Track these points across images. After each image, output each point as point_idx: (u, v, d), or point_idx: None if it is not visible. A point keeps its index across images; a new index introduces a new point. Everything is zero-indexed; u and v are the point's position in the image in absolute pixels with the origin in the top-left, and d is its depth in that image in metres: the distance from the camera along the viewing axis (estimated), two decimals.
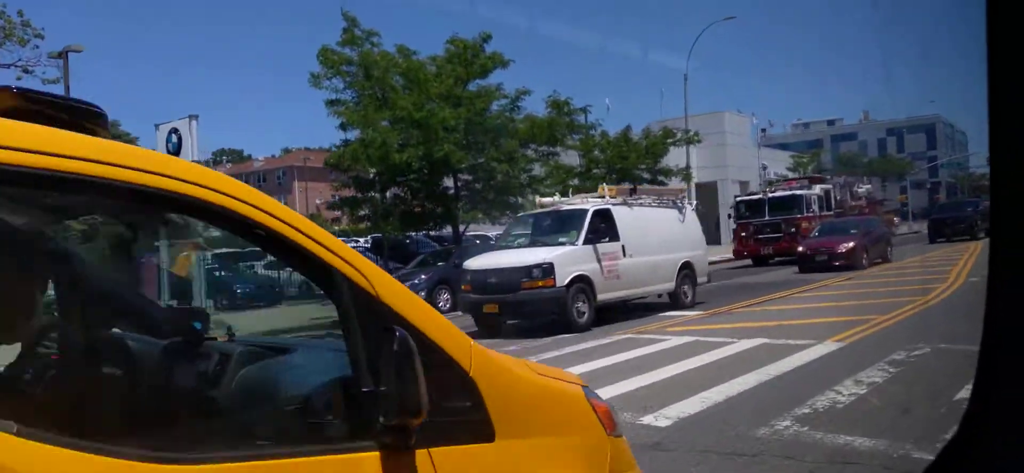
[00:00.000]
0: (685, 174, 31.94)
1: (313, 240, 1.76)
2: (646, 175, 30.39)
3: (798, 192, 29.52)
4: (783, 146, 77.36)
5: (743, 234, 27.88)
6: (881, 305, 12.07)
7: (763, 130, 56.05)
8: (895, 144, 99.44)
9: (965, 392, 5.06)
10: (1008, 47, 1.32)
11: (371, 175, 23.64)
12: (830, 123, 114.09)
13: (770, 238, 27.10)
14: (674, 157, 35.63)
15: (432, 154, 21.40)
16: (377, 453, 1.70)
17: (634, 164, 29.76)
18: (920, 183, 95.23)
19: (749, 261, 27.66)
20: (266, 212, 1.71)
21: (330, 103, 22.68)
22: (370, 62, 22.45)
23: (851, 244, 21.99)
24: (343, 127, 22.90)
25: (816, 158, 60.84)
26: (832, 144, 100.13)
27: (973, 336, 1.47)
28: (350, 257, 1.80)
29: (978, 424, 1.42)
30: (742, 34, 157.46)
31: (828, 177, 37.98)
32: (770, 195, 29.49)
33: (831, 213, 30.49)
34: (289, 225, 1.75)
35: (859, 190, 37.00)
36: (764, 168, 49.92)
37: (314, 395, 1.87)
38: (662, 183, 29.46)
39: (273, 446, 1.72)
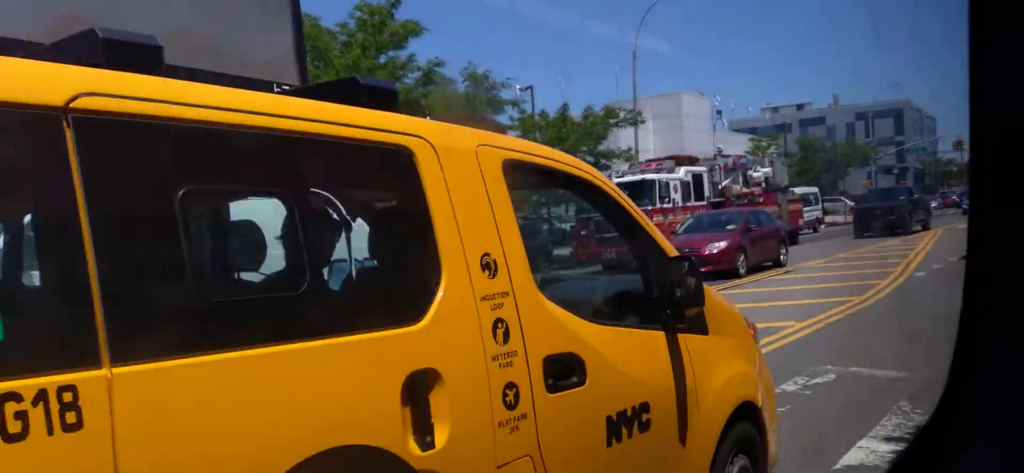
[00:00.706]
0: (627, 156, 31.06)
1: (630, 208, 3.34)
2: (588, 158, 28.84)
3: (650, 177, 24.93)
4: (752, 130, 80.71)
5: (582, 232, 18.67)
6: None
7: (719, 111, 55.90)
8: (863, 129, 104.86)
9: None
10: (990, 30, 1.35)
11: None
12: (799, 107, 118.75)
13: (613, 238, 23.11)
14: (626, 139, 34.88)
15: None
16: (663, 333, 3.21)
17: (574, 146, 28.40)
18: (888, 168, 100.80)
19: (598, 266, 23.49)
20: (610, 187, 3.32)
21: None
22: None
23: (723, 244, 18.05)
24: None
25: (775, 140, 59.83)
26: (800, 128, 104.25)
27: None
28: (646, 221, 3.42)
29: (953, 414, 1.45)
30: (716, 15, 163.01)
31: (722, 158, 33.64)
32: (616, 181, 22.69)
33: (704, 203, 26.73)
34: (621, 198, 3.32)
35: (755, 174, 31.03)
36: (719, 151, 48.84)
37: (638, 299, 3.44)
38: (604, 167, 28.52)
39: (631, 321, 3.35)
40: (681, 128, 50.65)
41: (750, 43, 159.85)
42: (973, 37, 1.34)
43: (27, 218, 2.38)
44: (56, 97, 1.63)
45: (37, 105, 1.60)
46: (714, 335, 3.55)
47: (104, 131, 1.69)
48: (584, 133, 30.35)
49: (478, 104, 24.26)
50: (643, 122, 34.85)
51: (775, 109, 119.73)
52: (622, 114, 32.25)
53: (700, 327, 3.45)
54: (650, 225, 3.43)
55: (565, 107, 30.83)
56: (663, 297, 3.23)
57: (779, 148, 53.84)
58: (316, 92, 2.42)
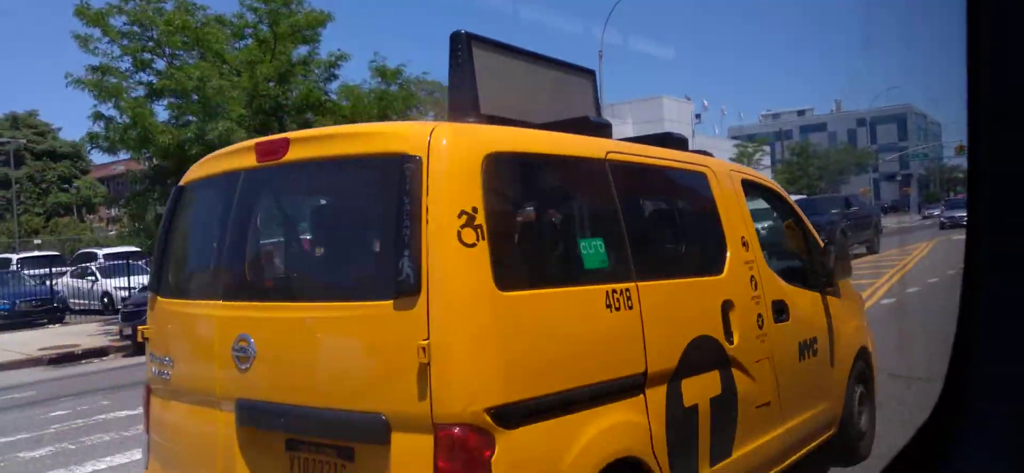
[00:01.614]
0: None
1: (800, 212, 5.20)
2: None
3: None
4: (750, 137, 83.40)
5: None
6: None
7: (697, 115, 54.99)
8: (866, 135, 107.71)
9: None
10: (988, 35, 1.42)
11: (146, 164, 20.77)
12: (800, 113, 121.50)
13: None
14: None
15: (205, 134, 18.33)
16: (819, 294, 5.02)
17: None
18: (891, 175, 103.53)
19: None
20: (789, 198, 5.24)
21: (93, 70, 18.91)
22: (144, 18, 19.32)
23: None
24: (97, 98, 18.84)
25: (761, 146, 59.19)
26: (801, 134, 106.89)
27: None
28: (807, 221, 5.19)
29: (951, 413, 1.54)
30: (721, 21, 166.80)
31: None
32: None
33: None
34: (795, 206, 5.19)
35: None
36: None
37: (804, 271, 5.07)
38: None
39: (802, 285, 4.87)
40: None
41: (754, 50, 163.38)
42: (970, 45, 1.38)
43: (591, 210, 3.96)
44: (601, 152, 3.56)
45: (593, 157, 3.52)
46: (844, 299, 5.46)
47: (618, 168, 3.60)
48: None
49: (393, 102, 21.79)
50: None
51: (775, 115, 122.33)
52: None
53: (836, 292, 5.34)
54: (809, 224, 5.32)
55: None
56: (819, 271, 5.15)
57: (764, 154, 53.81)
58: (645, 139, 4.33)
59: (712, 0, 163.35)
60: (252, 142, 3.40)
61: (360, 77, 23.97)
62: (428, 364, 2.65)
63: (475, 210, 2.76)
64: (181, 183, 3.87)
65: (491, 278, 2.76)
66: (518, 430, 2.75)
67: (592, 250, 3.39)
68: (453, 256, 2.70)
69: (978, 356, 1.50)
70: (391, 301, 2.74)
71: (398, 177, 2.77)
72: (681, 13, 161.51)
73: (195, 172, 3.85)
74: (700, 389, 3.68)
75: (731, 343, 3.96)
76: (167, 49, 20.08)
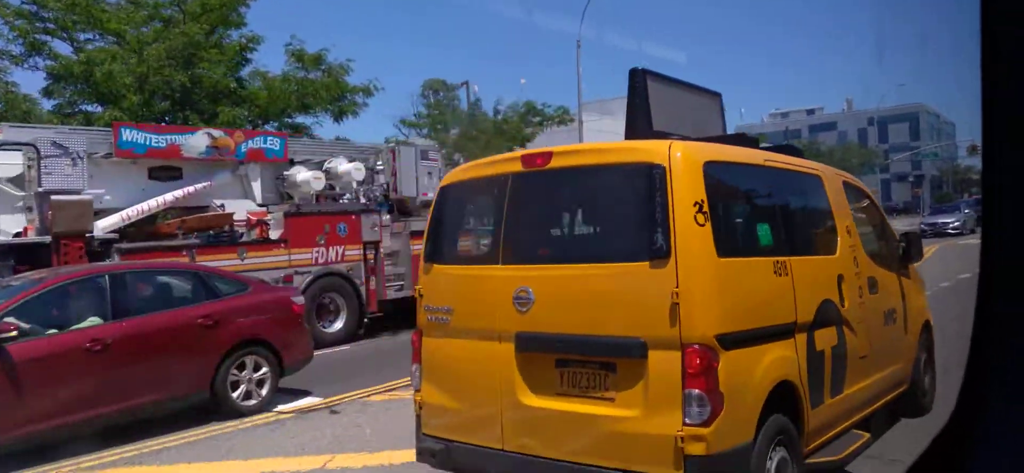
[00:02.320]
0: None
1: (879, 206, 6.98)
2: None
3: None
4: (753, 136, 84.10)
5: None
6: None
7: None
8: (877, 134, 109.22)
9: None
10: (1004, 36, 1.45)
11: None
12: (809, 112, 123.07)
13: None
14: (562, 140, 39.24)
15: (90, 121, 17.68)
16: (896, 274, 6.56)
17: (492, 146, 26.86)
18: (903, 176, 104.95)
19: None
20: (873, 195, 6.96)
21: None
22: None
23: None
24: None
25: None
26: (809, 133, 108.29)
27: None
28: (884, 213, 6.97)
29: (969, 418, 1.58)
30: (731, 21, 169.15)
31: None
32: None
33: None
34: (876, 201, 6.98)
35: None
36: None
37: (884, 254, 6.53)
38: None
39: (883, 265, 6.37)
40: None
41: (764, 48, 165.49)
42: (985, 44, 1.43)
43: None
44: (761, 159, 5.14)
45: (758, 164, 5.08)
46: (913, 280, 6.97)
47: (771, 172, 5.18)
48: (496, 132, 27.96)
49: (318, 91, 20.75)
50: (570, 121, 31.21)
51: (784, 114, 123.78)
52: (551, 113, 30.18)
53: (907, 274, 6.84)
54: (887, 218, 6.80)
55: (477, 103, 29.08)
56: (896, 255, 6.66)
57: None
58: (773, 149, 5.83)
59: (722, 13, 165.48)
60: (518, 154, 4.94)
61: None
62: (677, 304, 4.12)
63: (701, 201, 4.24)
64: (444, 184, 5.42)
65: (714, 248, 4.24)
66: (731, 351, 4.20)
67: (763, 231, 4.92)
68: (691, 233, 4.18)
69: (994, 363, 1.52)
70: (647, 262, 4.23)
71: (650, 178, 4.27)
72: (692, 15, 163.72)
73: (458, 175, 5.43)
74: (826, 339, 5.17)
75: (843, 306, 5.45)
76: (67, 31, 19.11)
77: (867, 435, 5.66)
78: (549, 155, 4.84)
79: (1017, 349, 1.49)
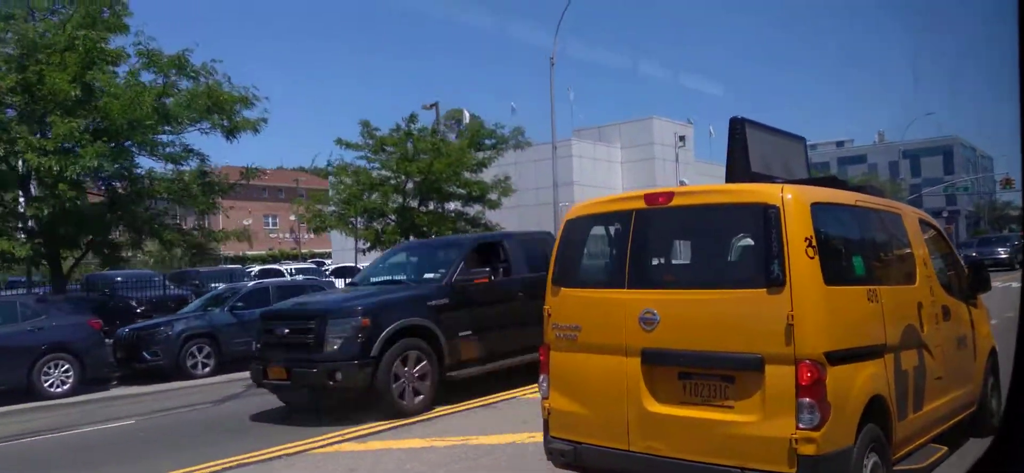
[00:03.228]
0: (503, 190, 26.86)
1: (949, 240, 7.76)
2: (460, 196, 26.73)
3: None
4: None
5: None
6: None
7: (682, 138, 52.02)
8: (909, 167, 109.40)
9: None
10: None
11: None
12: (839, 144, 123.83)
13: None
14: (532, 175, 40.63)
15: None
16: (965, 303, 7.36)
17: (443, 177, 25.07)
18: (937, 211, 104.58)
19: None
20: (942, 230, 7.72)
21: None
22: None
23: None
24: None
25: None
26: (839, 166, 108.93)
27: None
28: (954, 247, 7.86)
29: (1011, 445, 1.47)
30: (760, 51, 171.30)
31: None
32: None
33: None
34: (945, 234, 7.73)
35: None
36: (682, 184, 45.82)
37: (953, 286, 7.33)
38: (466, 216, 27.23)
39: (955, 297, 7.24)
40: (652, 159, 50.14)
41: (794, 76, 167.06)
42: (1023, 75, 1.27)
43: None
44: (852, 200, 6.04)
45: (849, 205, 6.01)
46: (980, 309, 7.80)
47: (860, 212, 6.14)
48: (432, 150, 25.10)
49: (194, 101, 18.28)
50: (523, 146, 29.02)
51: (812, 146, 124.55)
52: (505, 134, 27.56)
53: (976, 304, 7.67)
54: (957, 252, 7.64)
55: (412, 118, 25.83)
56: (965, 287, 7.49)
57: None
58: (854, 188, 6.67)
59: (755, 43, 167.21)
60: (641, 193, 5.86)
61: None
62: (792, 326, 4.96)
63: (810, 237, 5.11)
64: (570, 217, 6.34)
65: (821, 278, 5.09)
66: (836, 367, 5.01)
67: (858, 263, 5.79)
68: (803, 264, 5.03)
69: None
70: (765, 289, 5.09)
71: (767, 217, 5.15)
72: (717, 46, 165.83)
73: (583, 210, 6.35)
74: (909, 359, 5.98)
75: (923, 331, 6.28)
76: None
77: (945, 448, 6.45)
78: (671, 195, 5.75)
79: None
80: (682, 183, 45.33)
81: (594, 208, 6.35)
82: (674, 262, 6.23)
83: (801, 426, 4.90)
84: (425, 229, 25.73)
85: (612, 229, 6.09)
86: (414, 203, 26.75)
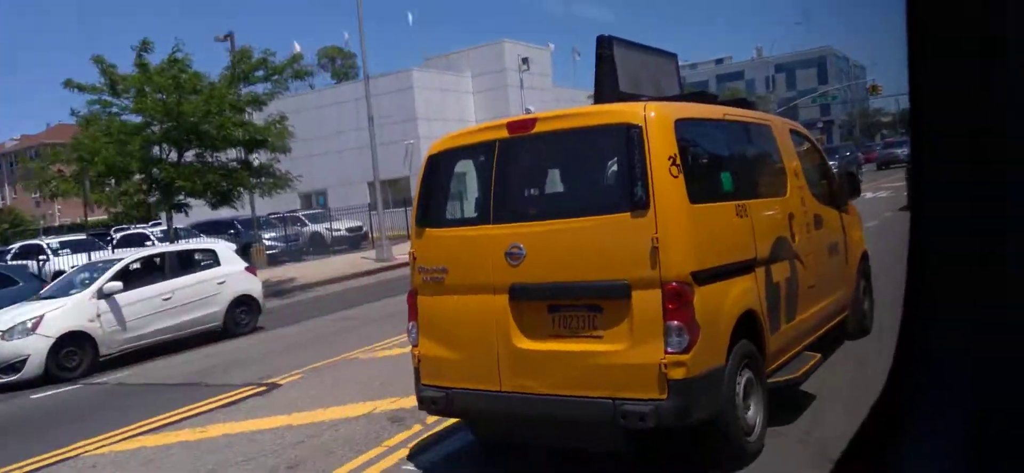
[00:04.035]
0: (277, 133, 22.11)
1: (823, 153, 8.22)
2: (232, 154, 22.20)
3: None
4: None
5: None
6: None
7: (525, 59, 48.70)
8: (785, 81, 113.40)
9: None
10: None
11: None
12: (718, 62, 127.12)
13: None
14: (397, 104, 40.07)
15: None
16: (837, 211, 7.71)
17: (200, 120, 20.22)
18: (812, 122, 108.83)
19: None
20: (815, 141, 8.12)
21: None
22: None
23: None
24: None
25: None
26: (718, 83, 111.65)
27: None
28: (825, 157, 8.32)
29: (911, 350, 1.57)
30: None
31: None
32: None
33: None
34: (818, 147, 8.19)
35: None
36: (527, 111, 42.28)
37: (827, 193, 7.66)
38: (245, 163, 22.18)
39: (825, 204, 7.46)
40: (506, 86, 47.92)
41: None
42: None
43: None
44: (721, 114, 6.01)
45: (718, 119, 5.96)
46: (851, 215, 7.99)
47: (730, 125, 6.12)
48: (174, 86, 20.34)
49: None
50: (309, 74, 25.85)
51: (693, 66, 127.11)
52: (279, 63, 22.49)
53: (847, 210, 7.85)
54: (828, 161, 7.78)
55: (144, 45, 20.71)
56: (837, 194, 7.63)
57: None
58: (729, 102, 6.70)
59: None
60: (504, 122, 5.66)
61: None
62: (657, 248, 4.89)
63: (674, 155, 5.01)
64: (432, 152, 6.03)
65: (687, 196, 5.02)
66: (703, 287, 4.98)
67: (725, 178, 5.75)
68: (667, 184, 4.93)
69: (923, 346, 1.54)
70: (629, 213, 4.98)
71: (628, 137, 5.02)
72: None
73: (445, 144, 6.05)
74: (780, 272, 6.04)
75: (794, 242, 6.35)
76: None
77: (818, 355, 6.60)
78: (533, 121, 5.56)
79: (947, 332, 1.52)
80: (528, 110, 42.28)
81: (455, 141, 6.11)
82: (539, 192, 6.06)
83: (670, 350, 4.87)
84: (177, 186, 20.68)
85: (476, 163, 5.87)
86: (174, 155, 21.54)
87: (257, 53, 22.67)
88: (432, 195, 6.04)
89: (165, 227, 26.70)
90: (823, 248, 7.09)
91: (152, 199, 21.79)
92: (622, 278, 5.01)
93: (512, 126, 5.63)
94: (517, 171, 5.80)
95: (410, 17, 74.51)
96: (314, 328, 15.24)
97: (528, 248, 5.35)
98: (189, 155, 21.88)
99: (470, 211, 6.05)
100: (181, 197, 21.19)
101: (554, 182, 6.14)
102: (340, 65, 75.96)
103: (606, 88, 5.93)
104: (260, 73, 22.57)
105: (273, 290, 21.80)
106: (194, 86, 21.07)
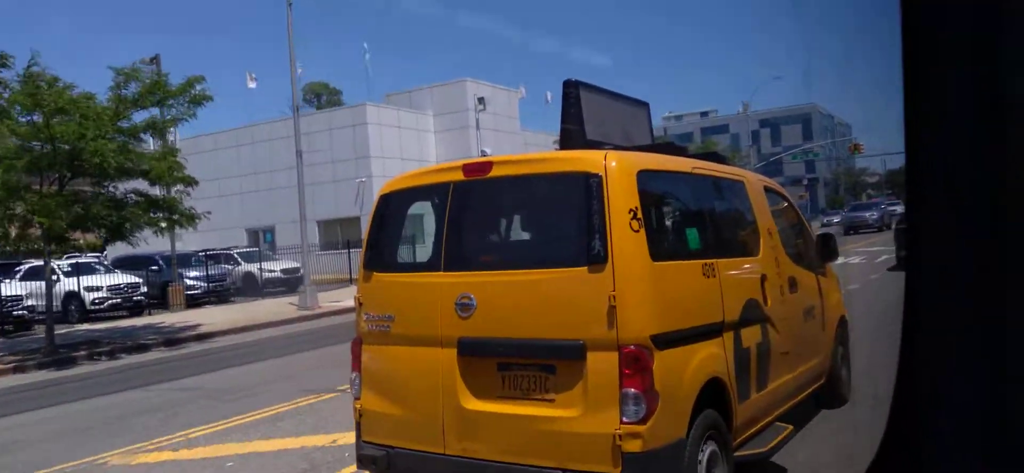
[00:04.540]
0: (164, 167, 19.62)
1: (800, 212, 7.75)
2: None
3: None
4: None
5: None
6: None
7: (481, 99, 47.23)
8: (769, 136, 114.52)
9: None
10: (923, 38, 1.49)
11: None
12: (703, 114, 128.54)
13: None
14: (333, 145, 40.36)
15: None
16: (814, 272, 7.31)
17: (88, 147, 17.60)
18: (797, 179, 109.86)
19: None
20: (789, 197, 7.66)
21: None
22: None
23: None
24: None
25: None
26: (702, 136, 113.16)
27: None
28: (804, 217, 7.87)
29: (906, 415, 1.62)
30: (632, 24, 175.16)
31: None
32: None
33: None
34: (793, 203, 7.69)
35: None
36: (483, 154, 41.46)
37: (803, 254, 7.35)
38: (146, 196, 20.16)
39: (801, 265, 7.06)
40: (467, 128, 46.83)
41: (670, 50, 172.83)
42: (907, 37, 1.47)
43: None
44: (689, 167, 5.65)
45: (685, 172, 5.61)
46: (829, 277, 7.69)
47: (698, 179, 5.81)
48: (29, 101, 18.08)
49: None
50: (207, 99, 20.87)
51: (678, 117, 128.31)
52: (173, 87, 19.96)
53: (823, 272, 7.55)
54: (805, 219, 7.51)
55: (33, 67, 18.19)
56: (813, 255, 7.34)
57: None
58: (701, 156, 6.41)
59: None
60: (459, 163, 5.33)
61: None
62: (615, 307, 4.55)
63: (636, 208, 4.70)
64: (384, 192, 5.73)
65: (648, 253, 4.69)
66: (664, 351, 4.64)
67: (692, 236, 5.44)
68: (627, 238, 4.61)
69: (923, 361, 1.57)
70: (586, 268, 4.65)
71: (587, 187, 4.71)
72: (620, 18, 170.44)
73: (398, 184, 5.75)
74: (751, 336, 5.71)
75: (767, 305, 6.04)
76: None
77: (791, 427, 6.25)
78: (489, 164, 5.26)
79: (944, 366, 1.54)
80: (483, 153, 42.06)
81: (409, 181, 5.82)
82: (494, 240, 5.74)
83: (626, 419, 4.53)
84: (37, 220, 18.50)
85: (429, 205, 5.58)
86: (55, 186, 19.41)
87: (179, 79, 20.26)
88: (382, 237, 5.75)
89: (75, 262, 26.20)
90: (798, 312, 6.78)
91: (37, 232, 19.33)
92: (577, 337, 4.69)
93: (468, 168, 5.33)
94: (471, 216, 5.49)
95: (366, 52, 74.27)
96: (108, 406, 12.08)
97: (479, 299, 5.02)
98: (84, 184, 20.07)
99: (421, 256, 5.71)
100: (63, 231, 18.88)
101: (510, 230, 5.82)
102: (325, 100, 75.83)
103: (572, 134, 5.65)
104: (155, 97, 19.99)
105: (166, 336, 20.63)
106: (58, 105, 18.46)
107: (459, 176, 5.34)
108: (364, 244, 5.82)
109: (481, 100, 46.83)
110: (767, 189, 6.97)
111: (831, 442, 6.95)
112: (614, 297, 4.57)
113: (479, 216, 5.59)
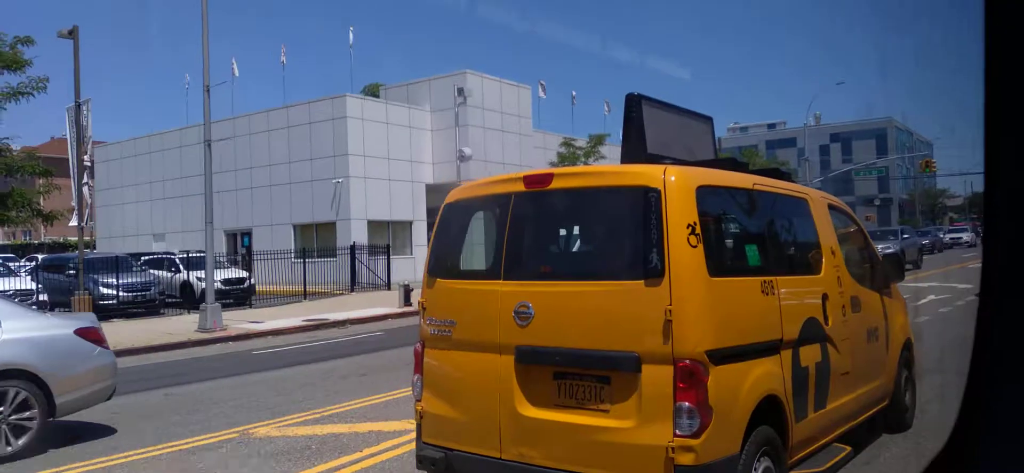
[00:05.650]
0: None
1: (866, 232, 7.97)
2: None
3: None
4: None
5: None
6: None
7: (460, 91, 43.18)
8: (840, 151, 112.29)
9: None
10: (1010, 50, 1.45)
11: None
12: (770, 126, 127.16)
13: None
14: (301, 144, 37.12)
15: None
16: (878, 293, 7.48)
17: None
18: (869, 199, 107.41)
19: None
20: (854, 215, 7.79)
21: None
22: None
23: None
24: None
25: (599, 143, 47.43)
26: (768, 149, 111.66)
27: None
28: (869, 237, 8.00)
29: (968, 436, 1.65)
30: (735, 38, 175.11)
31: None
32: None
33: None
34: (859, 222, 7.88)
35: None
36: (461, 153, 41.56)
37: (866, 274, 7.49)
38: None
39: (867, 285, 7.35)
40: (467, 126, 42.45)
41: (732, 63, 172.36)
42: (991, 51, 1.42)
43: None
44: (750, 183, 5.81)
45: (747, 188, 5.81)
46: (894, 299, 7.78)
47: (760, 196, 5.97)
48: None
49: None
50: (27, 63, 21.92)
51: (743, 128, 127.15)
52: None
53: (890, 294, 7.65)
54: (870, 238, 7.61)
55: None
56: (878, 275, 7.44)
57: (597, 157, 45.20)
58: (762, 172, 6.56)
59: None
60: (521, 174, 5.61)
61: None
62: (671, 322, 4.75)
63: (694, 223, 4.89)
64: (449, 201, 6.05)
65: (705, 268, 4.87)
66: (720, 367, 4.81)
67: (751, 252, 5.61)
68: (685, 253, 4.80)
69: (993, 389, 1.55)
70: (643, 281, 4.86)
71: (646, 201, 4.93)
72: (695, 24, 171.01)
73: (463, 193, 6.08)
74: (810, 355, 5.86)
75: (827, 324, 6.18)
76: None
77: (849, 448, 6.37)
78: (550, 176, 5.52)
79: (1014, 379, 1.51)
80: (461, 153, 41.22)
81: (472, 191, 6.14)
82: (553, 250, 5.99)
83: (679, 432, 4.71)
84: None
85: (491, 214, 5.86)
86: None
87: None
88: (445, 244, 6.07)
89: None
90: (861, 333, 6.90)
91: None
92: (632, 350, 4.89)
93: (529, 180, 5.59)
94: (531, 227, 5.75)
95: (351, 36, 74.27)
96: None
97: (537, 308, 5.28)
98: None
99: (482, 265, 5.99)
100: None
101: (569, 241, 6.08)
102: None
103: (634, 148, 5.89)
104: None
105: None
106: None
107: (520, 187, 5.60)
108: (428, 251, 6.14)
109: (460, 91, 42.35)
110: (832, 208, 7.10)
111: (891, 468, 7.05)
112: (670, 311, 4.76)
113: (539, 227, 5.84)
